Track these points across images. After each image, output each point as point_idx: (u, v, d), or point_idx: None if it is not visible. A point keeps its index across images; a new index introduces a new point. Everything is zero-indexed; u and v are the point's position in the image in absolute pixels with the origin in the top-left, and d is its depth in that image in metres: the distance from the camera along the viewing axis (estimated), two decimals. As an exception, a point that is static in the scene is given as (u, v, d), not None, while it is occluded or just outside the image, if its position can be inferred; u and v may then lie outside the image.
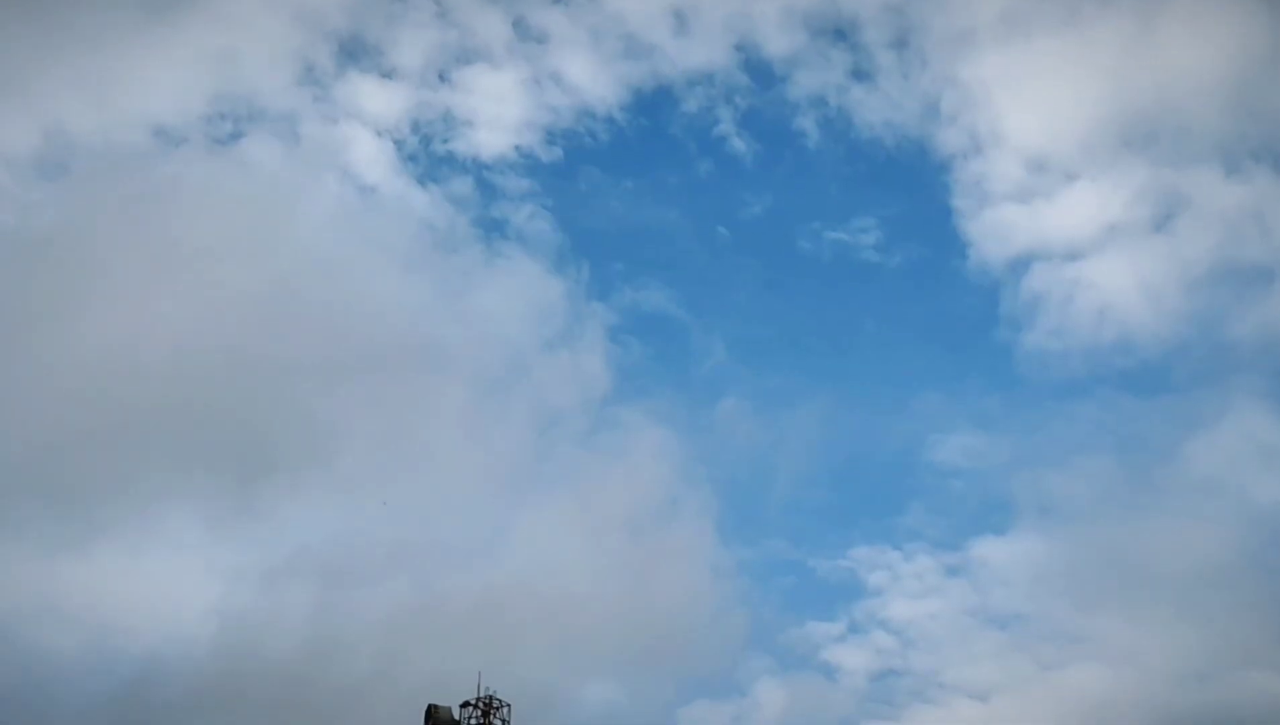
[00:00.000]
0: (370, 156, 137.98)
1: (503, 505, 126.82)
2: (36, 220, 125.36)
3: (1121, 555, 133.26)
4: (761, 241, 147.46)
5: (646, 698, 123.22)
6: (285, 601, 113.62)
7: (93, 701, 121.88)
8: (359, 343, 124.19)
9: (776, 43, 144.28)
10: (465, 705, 62.85)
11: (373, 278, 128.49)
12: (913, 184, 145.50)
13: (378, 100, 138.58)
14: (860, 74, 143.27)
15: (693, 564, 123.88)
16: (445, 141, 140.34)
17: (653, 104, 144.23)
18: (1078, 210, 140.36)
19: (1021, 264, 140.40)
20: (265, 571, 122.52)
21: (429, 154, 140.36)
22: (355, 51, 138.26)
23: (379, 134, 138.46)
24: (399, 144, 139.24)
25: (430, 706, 62.50)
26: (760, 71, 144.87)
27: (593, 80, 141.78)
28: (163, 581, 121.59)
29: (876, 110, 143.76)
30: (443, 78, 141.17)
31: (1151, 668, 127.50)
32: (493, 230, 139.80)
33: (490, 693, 62.94)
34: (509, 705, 63.00)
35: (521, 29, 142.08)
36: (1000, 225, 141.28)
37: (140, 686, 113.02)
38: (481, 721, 62.70)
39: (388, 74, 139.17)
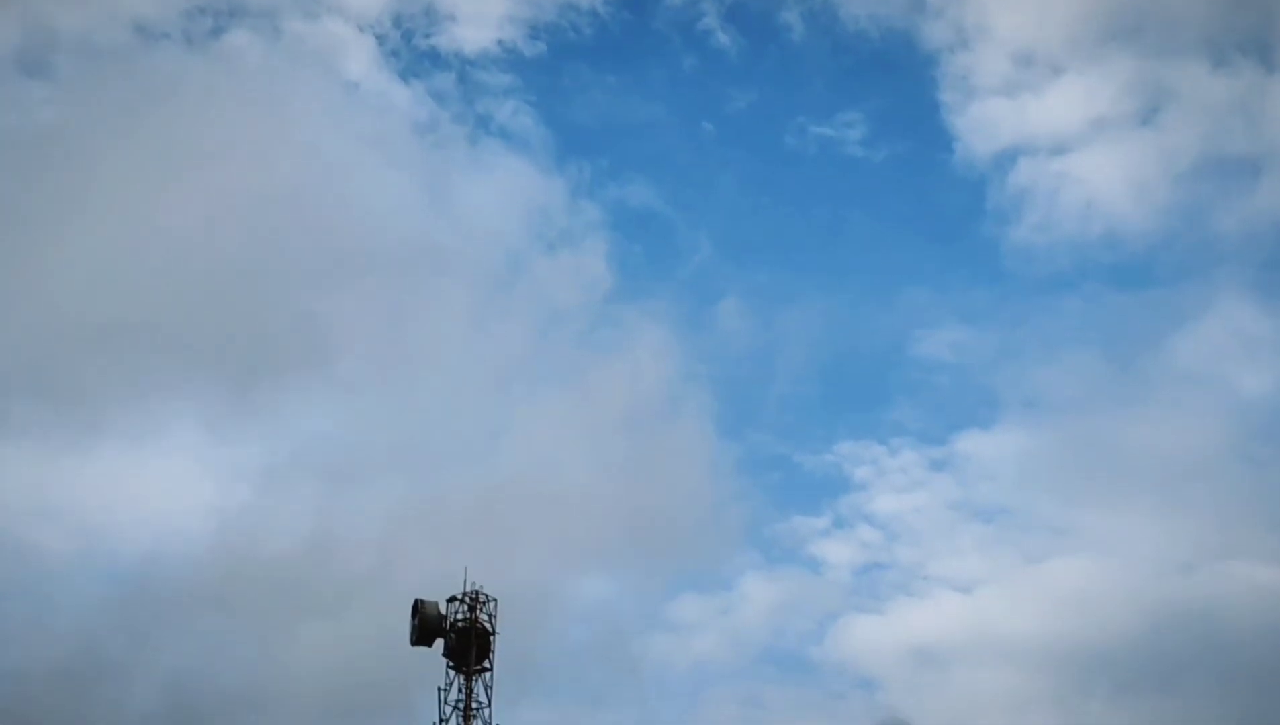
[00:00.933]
0: (353, 52, 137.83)
1: (502, 405, 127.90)
2: (33, 119, 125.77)
3: (1106, 448, 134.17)
4: (747, 137, 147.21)
5: (635, 593, 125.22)
6: (284, 501, 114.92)
7: (91, 601, 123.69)
8: (357, 243, 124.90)
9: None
10: (451, 600, 63.95)
11: (366, 177, 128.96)
12: (899, 78, 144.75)
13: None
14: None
15: (690, 462, 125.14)
16: (427, 37, 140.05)
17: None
18: (1064, 104, 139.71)
19: (1008, 158, 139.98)
20: (264, 471, 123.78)
21: (411, 49, 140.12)
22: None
23: (361, 29, 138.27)
24: (381, 39, 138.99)
25: (417, 602, 63.42)
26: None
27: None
28: (162, 482, 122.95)
29: (862, 4, 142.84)
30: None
31: (1136, 559, 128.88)
32: (477, 126, 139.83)
33: (477, 588, 64.18)
34: (495, 600, 63.77)
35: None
36: (986, 119, 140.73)
37: (139, 585, 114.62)
38: (467, 616, 63.99)
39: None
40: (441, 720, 62.46)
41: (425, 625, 63.15)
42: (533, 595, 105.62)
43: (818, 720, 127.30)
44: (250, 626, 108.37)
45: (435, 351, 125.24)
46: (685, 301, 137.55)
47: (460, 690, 63.03)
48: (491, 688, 63.28)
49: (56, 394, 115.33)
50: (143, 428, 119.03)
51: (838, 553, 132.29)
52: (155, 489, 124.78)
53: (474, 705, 62.93)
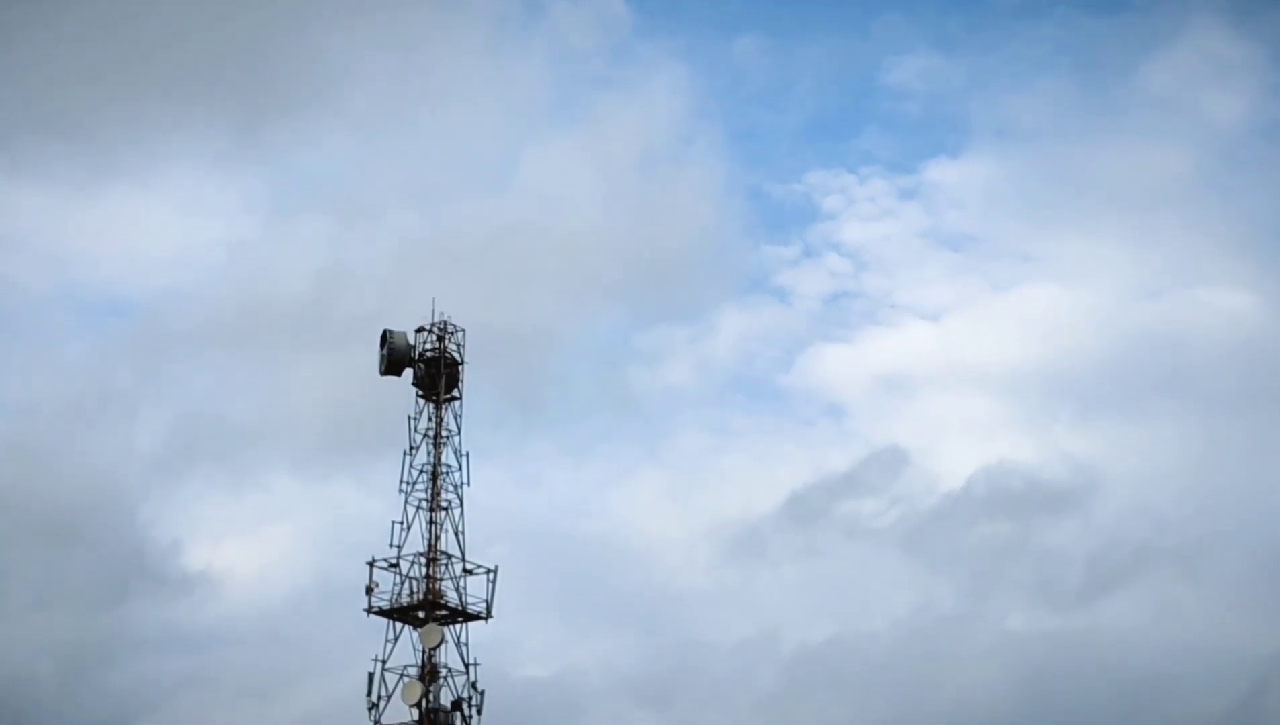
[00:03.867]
0: None
1: (514, 143, 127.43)
2: None
3: (1076, 175, 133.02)
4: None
5: (637, 329, 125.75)
6: (293, 237, 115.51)
7: (100, 338, 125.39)
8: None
9: None
10: (420, 330, 64.00)
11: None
12: None
13: None
14: None
15: (701, 201, 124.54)
16: None
17: None
18: None
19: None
20: (273, 208, 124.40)
21: None
22: None
23: None
24: None
25: (385, 332, 63.35)
26: None
27: None
28: (171, 220, 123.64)
29: None
30: None
31: (1104, 286, 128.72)
32: None
33: (445, 318, 64.22)
34: (463, 330, 63.87)
35: None
36: None
37: (148, 321, 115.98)
38: (435, 346, 64.13)
39: None
40: (411, 448, 63.04)
41: (394, 355, 63.32)
42: (537, 331, 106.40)
43: (786, 447, 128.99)
44: (258, 362, 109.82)
45: (447, 89, 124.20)
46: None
47: (430, 419, 63.43)
48: (461, 416, 63.77)
49: (68, 132, 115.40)
50: (151, 166, 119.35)
51: (806, 282, 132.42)
52: (164, 227, 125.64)
53: (444, 433, 63.38)
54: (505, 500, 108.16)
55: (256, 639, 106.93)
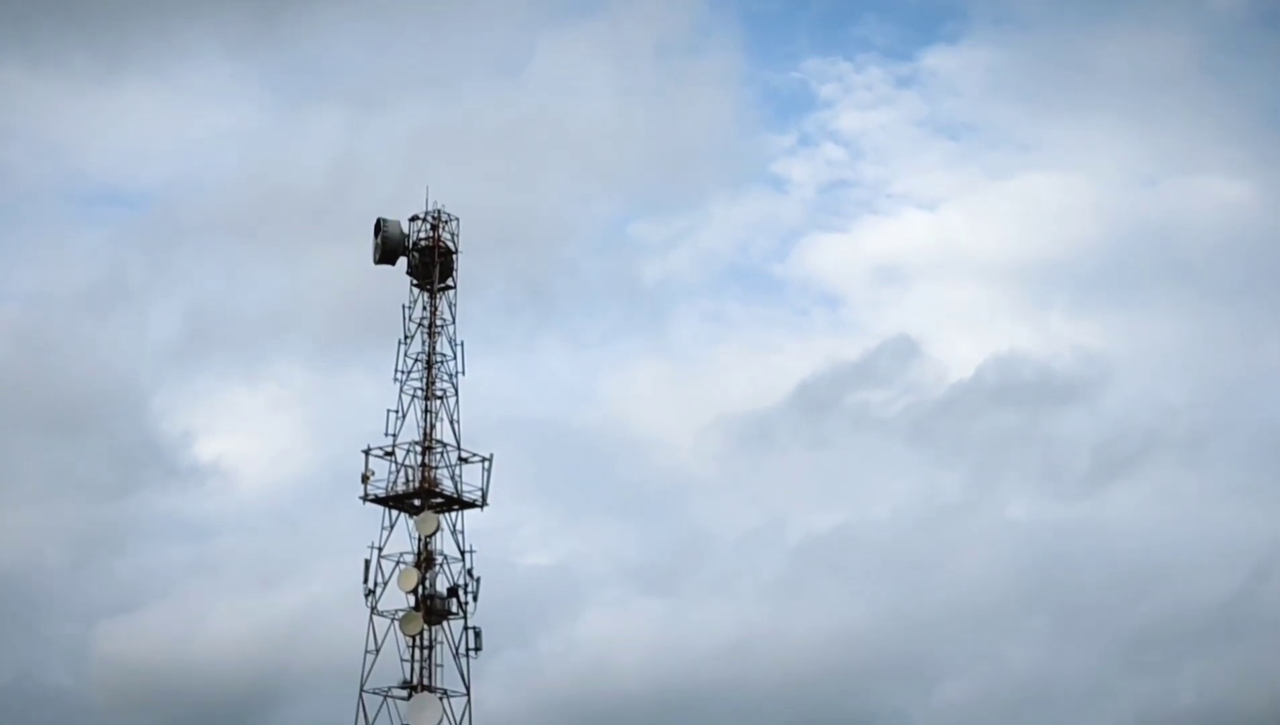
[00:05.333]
0: None
1: (531, 32, 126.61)
2: None
3: (1074, 63, 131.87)
4: None
5: (617, 217, 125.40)
6: (308, 127, 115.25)
7: (114, 228, 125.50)
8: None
9: None
10: (414, 219, 63.82)
11: None
12: None
13: None
14: None
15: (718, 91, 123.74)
16: None
17: None
18: None
19: None
20: (289, 98, 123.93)
21: None
22: None
23: None
24: None
25: (379, 220, 63.13)
26: None
27: None
28: (186, 110, 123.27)
29: None
30: None
31: (1101, 174, 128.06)
32: None
33: (439, 206, 64.11)
34: (457, 219, 63.70)
35: None
36: None
37: (162, 212, 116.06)
38: (429, 235, 64.04)
39: None
40: (406, 337, 63.19)
41: (388, 244, 63.28)
42: (545, 222, 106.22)
43: (782, 337, 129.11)
44: (270, 253, 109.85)
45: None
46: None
47: (425, 308, 63.51)
48: (456, 305, 63.84)
49: (81, 23, 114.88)
50: (165, 57, 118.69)
51: (802, 171, 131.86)
52: (177, 118, 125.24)
53: (439, 322, 63.48)
54: (505, 390, 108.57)
55: (263, 527, 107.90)
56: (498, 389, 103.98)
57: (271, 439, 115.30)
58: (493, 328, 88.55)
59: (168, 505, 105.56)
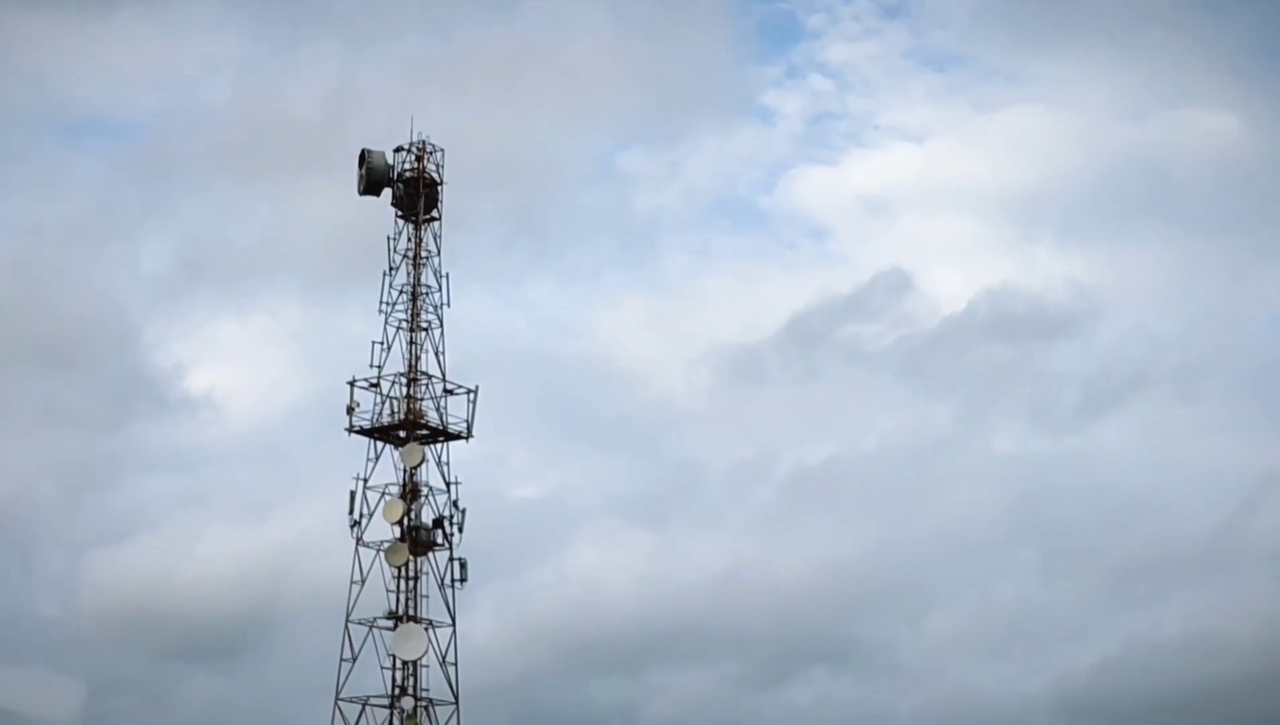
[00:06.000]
0: None
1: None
2: None
3: None
4: None
5: (603, 150, 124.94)
6: (303, 58, 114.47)
7: (106, 159, 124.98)
8: None
9: None
10: (399, 150, 63.44)
11: None
12: None
13: None
14: None
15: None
16: None
17: None
18: None
19: None
20: (285, 29, 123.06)
21: None
22: None
23: None
24: None
25: (363, 151, 62.70)
26: None
27: None
28: (179, 40, 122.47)
29: None
30: None
31: (1088, 107, 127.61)
32: None
33: (424, 137, 63.79)
34: (442, 150, 63.33)
35: None
36: None
37: (155, 143, 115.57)
38: (415, 166, 63.73)
39: None
40: (391, 269, 63.01)
41: (372, 176, 63.01)
42: (537, 154, 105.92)
43: (768, 270, 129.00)
44: (264, 186, 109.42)
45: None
46: None
47: (410, 240, 63.34)
48: (440, 237, 63.64)
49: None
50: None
51: (788, 103, 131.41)
52: (169, 48, 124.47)
53: (424, 254, 63.32)
54: (494, 323, 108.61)
55: (253, 459, 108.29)
56: (486, 322, 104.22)
57: (262, 371, 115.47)
58: (482, 261, 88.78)
59: (158, 437, 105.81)
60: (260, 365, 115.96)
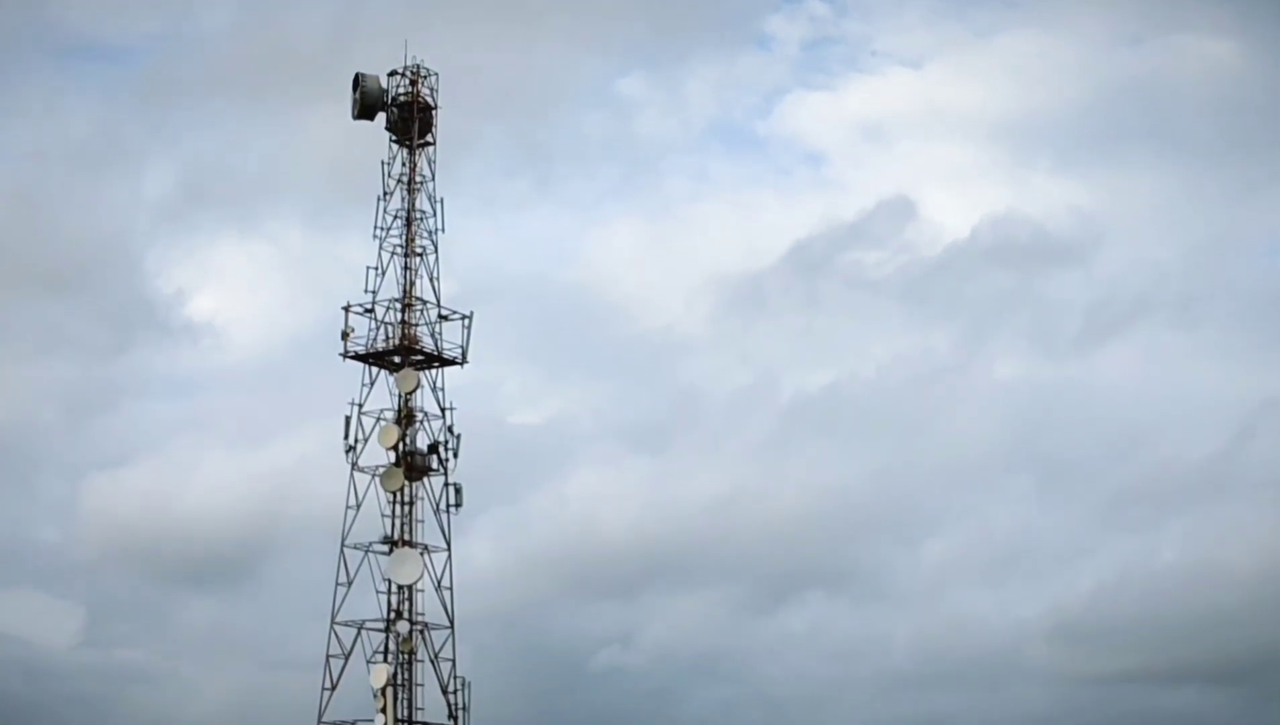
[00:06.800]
0: None
1: None
2: None
3: None
4: None
5: (599, 75, 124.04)
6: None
7: (109, 85, 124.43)
8: None
9: None
10: (392, 74, 63.07)
11: None
12: None
13: None
14: None
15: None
16: None
17: None
18: None
19: None
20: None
21: None
22: None
23: None
24: None
25: (357, 75, 62.40)
26: None
27: None
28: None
29: None
30: None
31: (1084, 32, 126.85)
32: None
33: (418, 61, 63.39)
34: (436, 74, 63.06)
35: None
36: None
37: (158, 70, 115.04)
38: (409, 90, 63.37)
39: None
40: (385, 194, 62.82)
41: (366, 100, 62.68)
42: (536, 80, 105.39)
43: (765, 195, 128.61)
44: (267, 113, 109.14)
45: None
46: None
47: (404, 165, 63.09)
48: (435, 162, 63.41)
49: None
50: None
51: (786, 28, 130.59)
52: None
53: (419, 179, 63.09)
54: (492, 249, 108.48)
55: (253, 385, 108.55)
56: (485, 248, 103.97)
57: (264, 297, 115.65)
58: (479, 187, 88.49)
59: (160, 363, 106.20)
60: (262, 291, 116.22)
